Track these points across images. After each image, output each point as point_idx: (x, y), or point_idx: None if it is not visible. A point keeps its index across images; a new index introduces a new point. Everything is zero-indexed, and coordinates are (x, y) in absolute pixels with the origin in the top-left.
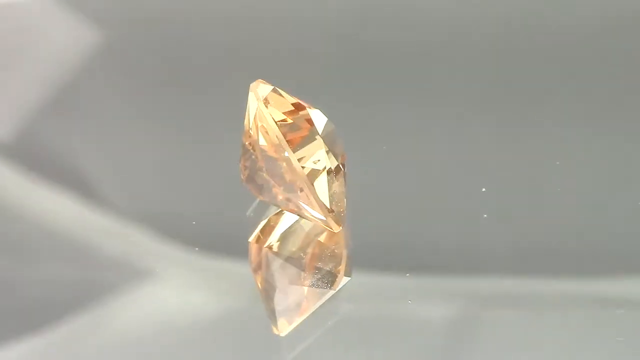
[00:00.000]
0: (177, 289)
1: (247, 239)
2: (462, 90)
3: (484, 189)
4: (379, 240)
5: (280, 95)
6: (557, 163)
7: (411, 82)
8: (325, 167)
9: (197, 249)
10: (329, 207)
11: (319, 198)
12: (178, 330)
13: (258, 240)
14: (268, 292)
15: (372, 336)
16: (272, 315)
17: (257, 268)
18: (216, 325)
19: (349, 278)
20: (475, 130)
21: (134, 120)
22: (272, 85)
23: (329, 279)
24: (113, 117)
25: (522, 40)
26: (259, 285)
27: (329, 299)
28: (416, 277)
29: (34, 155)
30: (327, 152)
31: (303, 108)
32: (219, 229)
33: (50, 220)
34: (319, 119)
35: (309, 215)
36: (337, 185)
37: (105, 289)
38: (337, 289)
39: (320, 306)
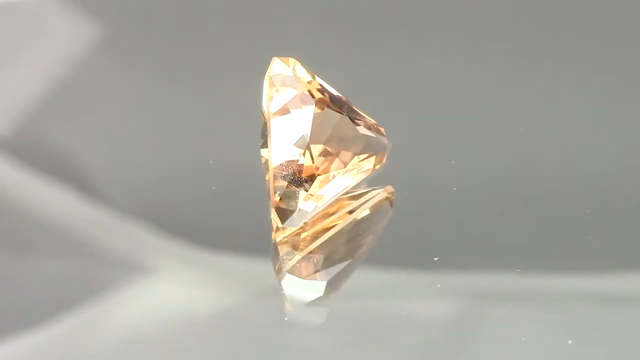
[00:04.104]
0: (177, 285)
1: (249, 234)
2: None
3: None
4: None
5: (302, 79)
6: (559, 160)
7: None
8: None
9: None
10: (276, 199)
11: (272, 186)
12: (178, 326)
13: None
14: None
15: (372, 335)
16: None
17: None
18: (217, 322)
19: (281, 282)
20: (472, 130)
21: (134, 116)
22: (309, 70)
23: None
24: (113, 114)
25: None
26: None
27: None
28: (416, 274)
29: (35, 152)
30: (309, 152)
31: (309, 103)
32: (220, 224)
33: (50, 217)
34: (312, 117)
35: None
36: (308, 183)
37: (105, 285)
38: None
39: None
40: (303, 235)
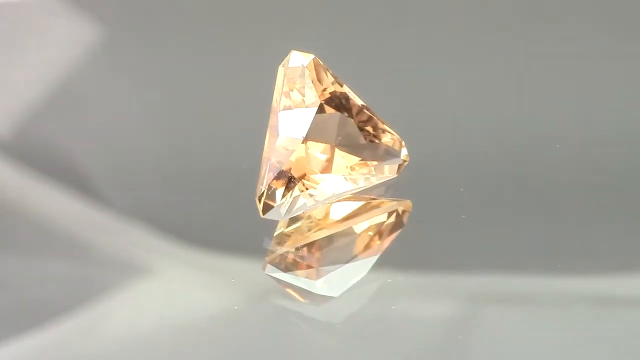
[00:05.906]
0: (176, 287)
1: (249, 235)
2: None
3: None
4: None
5: (316, 78)
6: (560, 161)
7: None
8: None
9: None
10: (261, 190)
11: (262, 177)
12: (177, 328)
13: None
14: None
15: (372, 336)
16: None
17: None
18: (216, 323)
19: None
20: (470, 128)
21: (134, 116)
22: (333, 73)
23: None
24: (113, 114)
25: None
26: None
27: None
28: (416, 276)
29: (35, 152)
30: (303, 149)
31: (315, 103)
32: (220, 226)
33: (49, 217)
34: (314, 117)
35: None
36: (298, 179)
37: (104, 287)
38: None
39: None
40: (304, 232)
